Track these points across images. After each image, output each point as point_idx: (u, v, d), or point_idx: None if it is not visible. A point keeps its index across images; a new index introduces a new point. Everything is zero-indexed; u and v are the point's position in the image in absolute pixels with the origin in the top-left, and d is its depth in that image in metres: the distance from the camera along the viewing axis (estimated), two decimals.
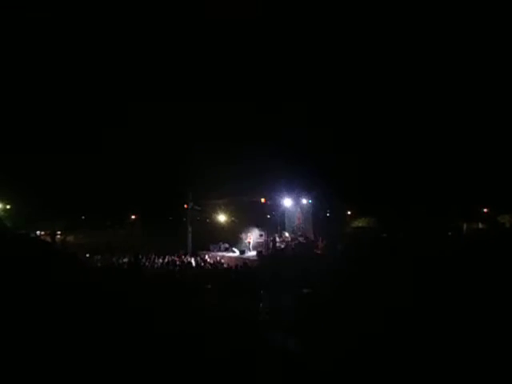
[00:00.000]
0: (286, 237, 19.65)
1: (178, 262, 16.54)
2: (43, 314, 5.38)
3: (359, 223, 29.24)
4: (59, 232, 26.22)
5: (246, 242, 20.09)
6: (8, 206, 23.60)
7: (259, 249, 18.83)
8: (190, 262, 16.72)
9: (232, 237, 21.01)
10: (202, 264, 16.31)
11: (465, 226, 24.18)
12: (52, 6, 17.89)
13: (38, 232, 24.69)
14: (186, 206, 22.10)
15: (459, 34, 21.25)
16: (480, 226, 25.27)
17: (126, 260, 17.04)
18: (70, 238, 25.67)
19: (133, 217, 33.66)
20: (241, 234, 20.50)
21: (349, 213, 30.58)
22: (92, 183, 25.78)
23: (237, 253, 19.38)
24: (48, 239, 22.41)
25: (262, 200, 19.78)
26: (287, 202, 20.35)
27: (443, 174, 25.13)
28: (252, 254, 18.87)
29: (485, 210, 26.76)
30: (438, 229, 21.43)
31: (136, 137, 25.77)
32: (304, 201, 20.87)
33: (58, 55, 21.94)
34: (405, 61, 23.57)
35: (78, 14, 19.42)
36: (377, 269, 10.98)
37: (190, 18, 21.26)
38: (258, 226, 20.60)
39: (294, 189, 20.24)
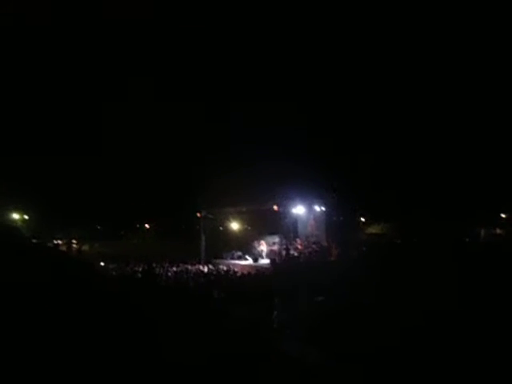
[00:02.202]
0: (299, 244, 19.51)
1: (191, 270, 16.59)
2: (60, 322, 5.43)
3: (373, 230, 28.90)
4: (75, 241, 26.64)
5: (259, 249, 20.01)
6: (26, 216, 24.09)
7: (272, 256, 18.74)
8: (203, 271, 16.76)
9: (245, 245, 20.97)
10: (215, 272, 16.31)
11: (482, 231, 23.66)
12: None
13: (54, 241, 25.12)
14: (199, 214, 22.20)
15: (464, 33, 21.04)
16: (498, 231, 24.69)
17: (140, 269, 17.16)
18: (86, 248, 26.03)
19: (146, 226, 34.01)
20: (254, 241, 20.44)
21: (362, 219, 30.27)
22: (106, 193, 26.18)
23: (250, 261, 19.33)
24: (64, 248, 22.79)
25: (275, 207, 19.73)
26: (300, 210, 20.24)
27: (460, 179, 24.70)
28: (265, 261, 18.78)
29: (503, 215, 26.19)
30: (454, 234, 21.03)
31: (150, 146, 26.15)
32: (317, 208, 20.72)
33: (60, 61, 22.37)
34: (420, 63, 23.43)
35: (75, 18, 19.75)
36: (392, 275, 10.82)
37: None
38: (271, 234, 20.52)
39: (307, 196, 20.12)
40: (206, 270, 17.04)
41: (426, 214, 23.82)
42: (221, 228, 23.57)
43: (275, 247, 19.72)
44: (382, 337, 5.81)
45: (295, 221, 20.88)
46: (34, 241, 19.77)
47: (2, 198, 20.28)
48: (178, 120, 24.75)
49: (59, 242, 25.61)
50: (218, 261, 20.01)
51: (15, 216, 23.12)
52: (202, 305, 8.49)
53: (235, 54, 24.21)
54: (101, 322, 5.66)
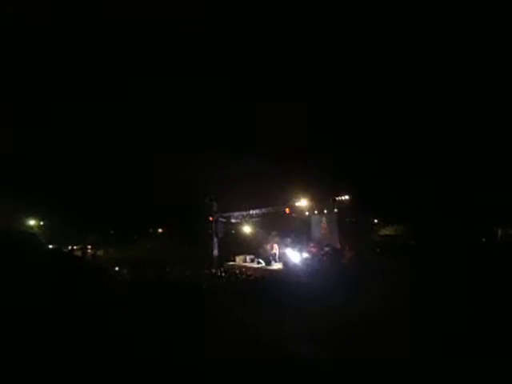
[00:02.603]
0: (312, 247, 19.42)
1: (204, 273, 16.65)
2: (71, 327, 5.52)
3: (386, 231, 28.54)
4: (89, 246, 27.05)
5: (272, 253, 19.98)
6: (41, 222, 24.59)
7: (285, 260, 18.68)
8: (216, 274, 16.80)
9: (257, 248, 20.97)
10: (227, 275, 16.33)
11: (499, 231, 23.12)
12: None
13: (69, 247, 25.55)
14: (211, 218, 22.31)
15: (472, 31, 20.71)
16: None
17: (152, 273, 17.30)
18: (100, 253, 26.40)
19: (159, 230, 34.32)
20: (266, 245, 20.41)
21: (376, 221, 29.92)
22: (120, 198, 26.53)
23: (262, 264, 19.30)
24: (79, 254, 23.15)
25: (287, 210, 19.69)
26: (312, 212, 20.17)
27: (476, 178, 24.25)
28: (278, 265, 18.74)
29: None
30: (470, 235, 20.60)
31: (161, 150, 26.42)
32: (329, 210, 20.59)
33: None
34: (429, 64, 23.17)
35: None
36: (406, 278, 10.65)
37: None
38: (283, 237, 20.47)
39: (319, 198, 20.03)
40: (219, 273, 17.08)
41: (440, 214, 23.42)
42: (233, 231, 23.65)
43: (288, 250, 19.65)
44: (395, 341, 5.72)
45: (308, 223, 20.81)
46: (51, 246, 20.19)
47: (19, 205, 20.72)
48: (187, 124, 24.98)
49: (74, 247, 26.03)
50: (230, 264, 20.06)
51: (32, 222, 23.63)
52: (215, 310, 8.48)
53: (238, 54, 24.31)
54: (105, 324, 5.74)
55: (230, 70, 24.68)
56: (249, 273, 17.28)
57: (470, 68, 22.81)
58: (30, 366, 4.64)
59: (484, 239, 21.01)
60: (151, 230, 34.37)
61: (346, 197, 19.87)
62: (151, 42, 23.37)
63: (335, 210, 20.29)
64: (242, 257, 20.82)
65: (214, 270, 18.07)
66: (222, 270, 18.14)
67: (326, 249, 18.86)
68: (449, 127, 24.80)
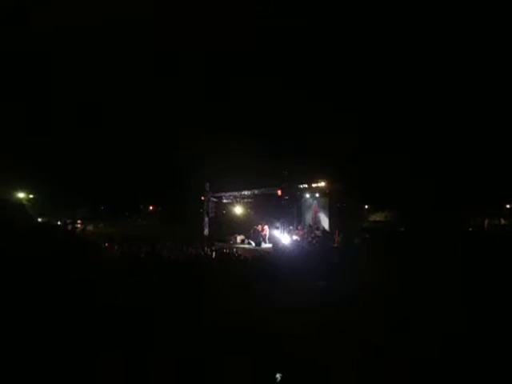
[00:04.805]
0: (300, 230, 19.55)
1: (195, 252, 16.71)
2: (62, 303, 5.52)
3: (377, 217, 28.88)
4: (79, 221, 26.86)
5: (262, 234, 20.11)
6: (31, 196, 24.27)
7: (274, 241, 18.84)
8: (206, 253, 16.86)
9: (248, 229, 21.08)
10: (215, 254, 16.41)
11: (486, 221, 23.56)
12: None
13: (59, 221, 25.34)
14: (203, 197, 22.27)
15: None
16: (502, 222, 24.57)
17: (143, 249, 17.30)
18: (90, 228, 26.24)
19: (150, 208, 34.20)
20: (257, 226, 20.53)
21: (366, 206, 30.21)
22: (111, 174, 26.27)
23: (253, 245, 19.46)
24: (69, 228, 22.96)
25: (279, 192, 19.73)
26: (303, 195, 20.24)
27: (464, 168, 24.54)
28: (268, 246, 18.91)
29: (507, 205, 26.05)
30: (458, 224, 20.96)
31: (155, 129, 26.09)
32: (321, 194, 20.67)
33: None
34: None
35: None
36: (394, 264, 10.83)
37: None
38: (274, 219, 20.58)
39: (310, 182, 20.06)
40: (209, 252, 17.16)
41: (429, 202, 23.73)
42: (224, 212, 23.67)
43: (278, 232, 19.79)
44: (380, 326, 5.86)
45: (299, 206, 20.90)
46: (40, 220, 20.01)
47: (8, 177, 20.40)
48: (183, 104, 24.68)
49: (66, 221, 25.84)
50: (220, 244, 20.15)
51: (21, 195, 23.29)
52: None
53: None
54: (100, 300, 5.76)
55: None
56: (239, 252, 17.40)
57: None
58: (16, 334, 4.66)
59: (471, 228, 21.38)
60: (142, 207, 34.25)
61: (338, 182, 19.98)
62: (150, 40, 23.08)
63: (327, 193, 20.39)
64: (232, 237, 20.93)
65: (204, 249, 18.14)
66: (214, 248, 18.22)
67: (317, 232, 19.03)
68: (436, 119, 24.96)
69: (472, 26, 20.59)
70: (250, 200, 22.38)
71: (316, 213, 20.82)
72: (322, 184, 19.44)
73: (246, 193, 21.86)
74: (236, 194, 22.37)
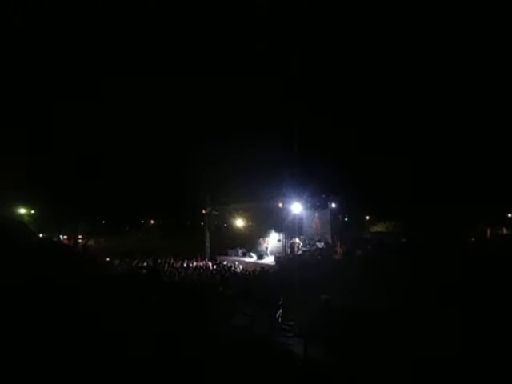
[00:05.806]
0: (298, 242, 19.34)
1: (196, 266, 16.63)
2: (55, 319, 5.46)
3: (378, 228, 28.74)
4: (80, 236, 26.80)
5: (264, 246, 20.01)
6: (32, 211, 24.26)
7: (277, 254, 18.72)
8: (208, 267, 16.78)
9: (250, 242, 20.98)
10: (219, 269, 16.32)
11: (488, 231, 23.43)
12: None
13: (60, 236, 25.29)
14: (204, 210, 22.21)
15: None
16: (505, 231, 24.44)
17: (145, 264, 17.22)
18: (91, 243, 26.16)
19: (151, 222, 34.14)
20: (258, 238, 20.44)
21: (367, 217, 30.11)
22: (112, 189, 26.28)
23: (254, 258, 19.34)
24: (70, 243, 22.91)
25: (280, 205, 19.67)
26: (299, 208, 20.21)
27: (466, 178, 24.47)
28: (270, 259, 18.79)
29: (509, 215, 25.91)
30: (461, 234, 20.82)
31: (155, 142, 26.20)
32: (322, 206, 20.62)
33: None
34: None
35: None
36: (396, 276, 10.75)
37: None
38: (275, 231, 20.50)
39: (312, 194, 20.01)
40: (210, 266, 17.07)
41: (431, 212, 23.63)
42: (225, 225, 23.60)
43: (280, 244, 19.65)
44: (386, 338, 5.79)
45: (300, 219, 20.80)
46: (41, 235, 19.95)
47: (9, 193, 20.41)
48: (182, 118, 24.83)
49: (65, 236, 25.78)
50: (222, 257, 20.04)
51: (22, 211, 23.28)
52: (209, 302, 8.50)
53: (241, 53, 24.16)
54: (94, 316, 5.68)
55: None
56: (241, 266, 17.33)
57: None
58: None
59: (473, 239, 21.24)
60: (143, 221, 34.18)
61: (339, 194, 19.98)
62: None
63: (328, 206, 20.35)
64: (234, 250, 20.82)
65: (206, 263, 18.05)
66: (216, 263, 18.14)
67: (319, 244, 18.90)
68: (438, 127, 24.99)
69: (472, 27, 20.71)
70: (251, 213, 22.33)
71: (317, 224, 20.74)
72: (323, 196, 19.42)
73: (247, 205, 21.81)
74: (237, 206, 22.32)
